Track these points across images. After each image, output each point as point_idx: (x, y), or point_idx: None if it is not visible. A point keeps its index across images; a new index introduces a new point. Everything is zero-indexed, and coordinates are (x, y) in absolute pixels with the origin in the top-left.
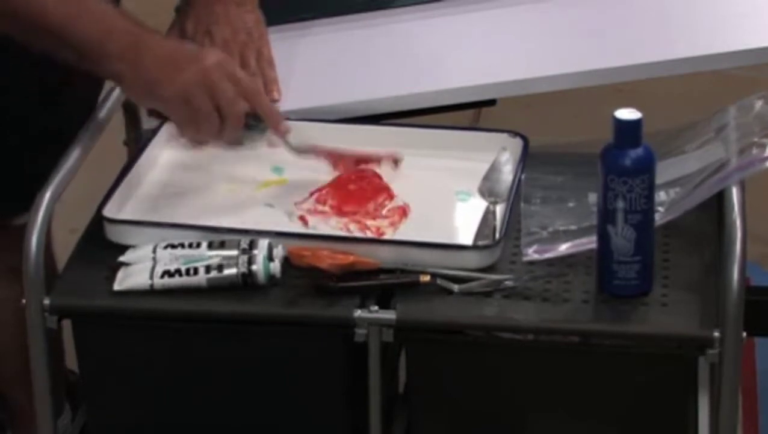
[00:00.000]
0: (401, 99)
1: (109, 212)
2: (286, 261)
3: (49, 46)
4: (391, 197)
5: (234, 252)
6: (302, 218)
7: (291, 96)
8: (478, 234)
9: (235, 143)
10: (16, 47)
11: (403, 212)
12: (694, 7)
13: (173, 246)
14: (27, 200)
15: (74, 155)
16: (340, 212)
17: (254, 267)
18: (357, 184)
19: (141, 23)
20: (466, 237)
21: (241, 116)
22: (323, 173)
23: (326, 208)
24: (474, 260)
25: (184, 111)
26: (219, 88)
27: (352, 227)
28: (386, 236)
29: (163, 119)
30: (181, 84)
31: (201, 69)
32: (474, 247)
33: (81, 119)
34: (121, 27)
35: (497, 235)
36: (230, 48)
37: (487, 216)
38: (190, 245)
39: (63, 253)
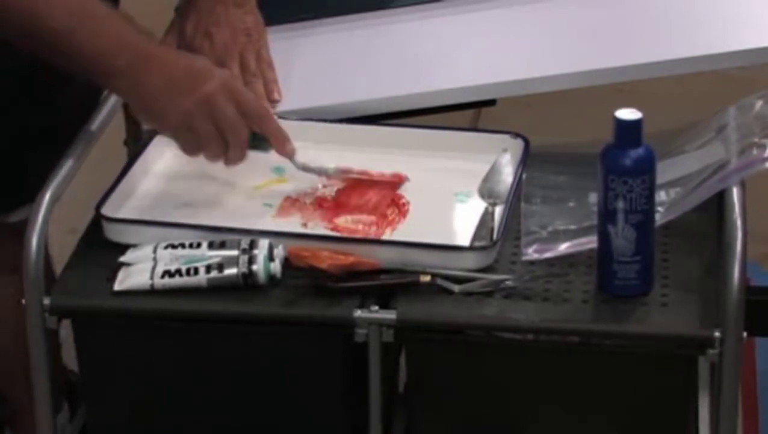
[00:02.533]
0: (401, 99)
1: (107, 210)
2: (286, 261)
3: (52, 56)
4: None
5: (234, 252)
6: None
7: (291, 96)
8: (476, 235)
9: (240, 162)
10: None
11: (403, 212)
12: (694, 7)
13: (174, 246)
14: (23, 197)
15: (74, 155)
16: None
17: (255, 267)
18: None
19: (147, 36)
20: (464, 238)
21: (244, 140)
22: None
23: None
24: (471, 261)
25: (187, 136)
26: (222, 113)
27: (345, 219)
28: (385, 237)
29: None
30: (183, 110)
31: (203, 94)
32: (471, 248)
33: (81, 118)
34: (127, 42)
35: (494, 236)
36: (230, 49)
37: (486, 217)
38: (191, 245)
39: (63, 253)
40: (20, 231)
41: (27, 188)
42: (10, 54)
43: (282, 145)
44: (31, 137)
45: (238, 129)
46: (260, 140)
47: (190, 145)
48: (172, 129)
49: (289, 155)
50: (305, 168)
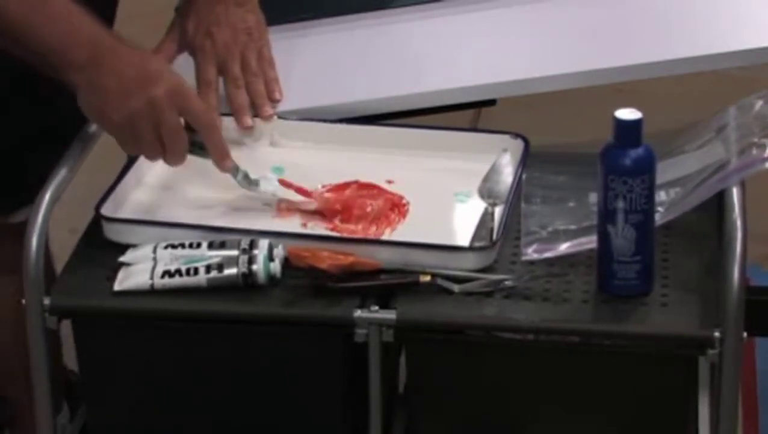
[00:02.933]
0: (401, 99)
1: (107, 210)
2: (286, 261)
3: (9, 47)
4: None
5: (234, 252)
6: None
7: (291, 96)
8: (475, 235)
9: (177, 165)
10: None
11: (402, 212)
12: (694, 7)
13: (173, 246)
14: (24, 198)
15: (74, 155)
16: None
17: (254, 267)
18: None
19: (105, 30)
20: (464, 238)
21: (182, 148)
22: (323, 173)
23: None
24: (470, 261)
25: (127, 136)
26: (164, 119)
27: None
28: (385, 237)
29: None
30: (127, 111)
31: (149, 98)
32: (470, 248)
33: (81, 118)
34: (84, 35)
35: (494, 236)
36: (231, 49)
37: (485, 218)
38: (191, 245)
39: (63, 253)
40: (21, 232)
41: (28, 188)
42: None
43: (220, 160)
44: (32, 138)
45: (177, 137)
46: (203, 148)
47: (129, 144)
48: (114, 127)
49: (226, 170)
50: (246, 185)
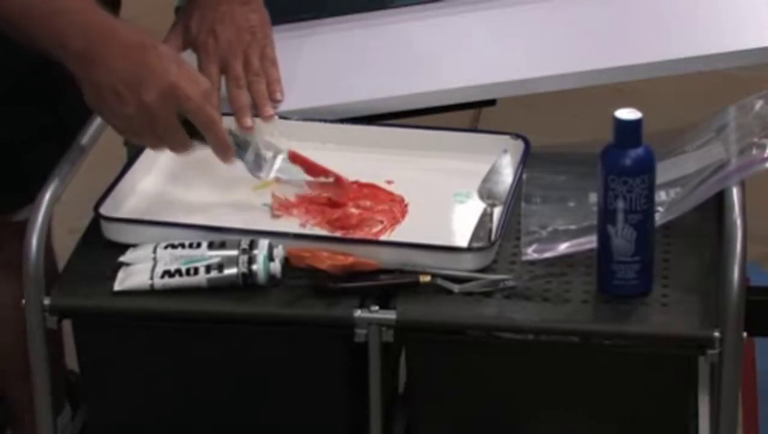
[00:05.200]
0: (401, 99)
1: (105, 210)
2: (286, 262)
3: (22, 39)
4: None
5: (234, 252)
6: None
7: (291, 96)
8: (474, 236)
9: (184, 154)
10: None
11: (402, 212)
12: (694, 7)
13: (173, 246)
14: (26, 196)
15: (74, 155)
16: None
17: (254, 267)
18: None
19: (102, 15)
20: (463, 239)
21: (181, 142)
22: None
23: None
24: (469, 261)
25: (126, 132)
26: (160, 122)
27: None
28: (384, 237)
29: None
30: (122, 114)
31: (142, 104)
32: (468, 249)
33: (82, 116)
34: (80, 24)
35: (493, 237)
36: (234, 48)
37: (484, 218)
38: (191, 245)
39: (63, 253)
40: (23, 230)
41: (30, 186)
42: (12, 55)
43: (222, 155)
44: (35, 136)
45: (174, 135)
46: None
47: (129, 138)
48: (113, 125)
49: (229, 162)
50: (255, 169)
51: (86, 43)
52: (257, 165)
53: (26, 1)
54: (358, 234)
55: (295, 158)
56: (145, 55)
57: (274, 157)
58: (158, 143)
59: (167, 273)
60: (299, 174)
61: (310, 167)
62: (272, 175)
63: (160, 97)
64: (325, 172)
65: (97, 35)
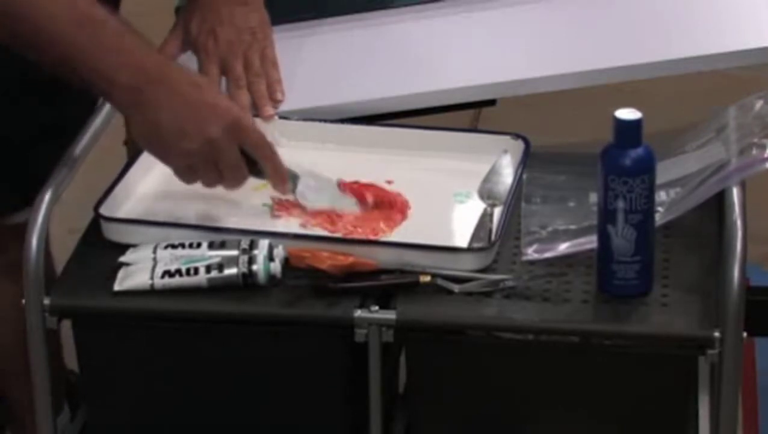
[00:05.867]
0: (401, 99)
1: (105, 210)
2: (286, 262)
3: (53, 65)
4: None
5: (234, 252)
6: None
7: (291, 96)
8: (474, 236)
9: (236, 189)
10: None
11: (402, 212)
12: (694, 7)
13: (174, 246)
14: (26, 197)
15: (74, 155)
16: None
17: (255, 267)
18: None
19: (155, 55)
20: (463, 239)
21: (242, 180)
22: (323, 172)
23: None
24: (469, 262)
25: (184, 171)
26: (224, 157)
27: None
28: (384, 238)
29: None
30: (184, 151)
31: (208, 139)
32: (468, 249)
33: (82, 116)
34: (133, 62)
35: (492, 237)
36: (234, 49)
37: (484, 218)
38: (191, 245)
39: (63, 253)
40: (23, 232)
41: (28, 189)
42: (12, 55)
43: (279, 184)
44: (35, 138)
45: (237, 171)
46: (259, 172)
47: (187, 177)
48: (170, 163)
49: (285, 193)
50: (306, 199)
51: (139, 82)
52: (305, 196)
53: (67, 36)
54: (358, 234)
55: (345, 187)
56: (204, 92)
57: (321, 185)
58: (217, 179)
59: (167, 273)
60: (352, 205)
61: (359, 194)
62: (325, 205)
63: (226, 132)
64: (374, 190)
65: (153, 73)
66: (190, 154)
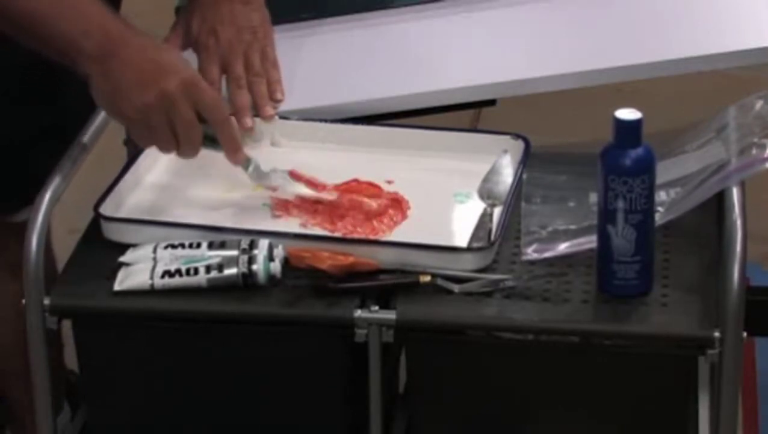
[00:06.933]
0: (401, 99)
1: (105, 210)
2: (286, 262)
3: (21, 37)
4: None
5: (234, 252)
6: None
7: (292, 96)
8: (474, 236)
9: (191, 157)
10: (16, 42)
11: (402, 212)
12: (694, 7)
13: (173, 246)
14: (26, 197)
15: (74, 155)
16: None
17: (255, 267)
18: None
19: (123, 22)
20: (463, 239)
21: (196, 141)
22: (323, 173)
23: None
24: (469, 262)
25: (141, 129)
26: (177, 112)
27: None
28: (384, 237)
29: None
30: (140, 104)
31: (163, 91)
32: (468, 249)
33: (82, 116)
34: (95, 24)
35: (492, 237)
36: (234, 48)
37: (484, 218)
38: (191, 245)
39: (63, 253)
40: (24, 231)
41: (30, 188)
42: (12, 55)
43: (232, 153)
44: (35, 137)
45: (191, 130)
46: (214, 141)
47: (143, 137)
48: (128, 120)
49: (238, 163)
50: (256, 178)
51: (105, 41)
52: (258, 176)
53: (38, 4)
54: (358, 234)
55: (295, 177)
56: (162, 51)
57: (274, 172)
58: (170, 141)
59: (167, 273)
60: (303, 189)
61: (311, 185)
62: (273, 182)
63: (181, 86)
64: (325, 188)
65: (115, 34)
66: (147, 107)
